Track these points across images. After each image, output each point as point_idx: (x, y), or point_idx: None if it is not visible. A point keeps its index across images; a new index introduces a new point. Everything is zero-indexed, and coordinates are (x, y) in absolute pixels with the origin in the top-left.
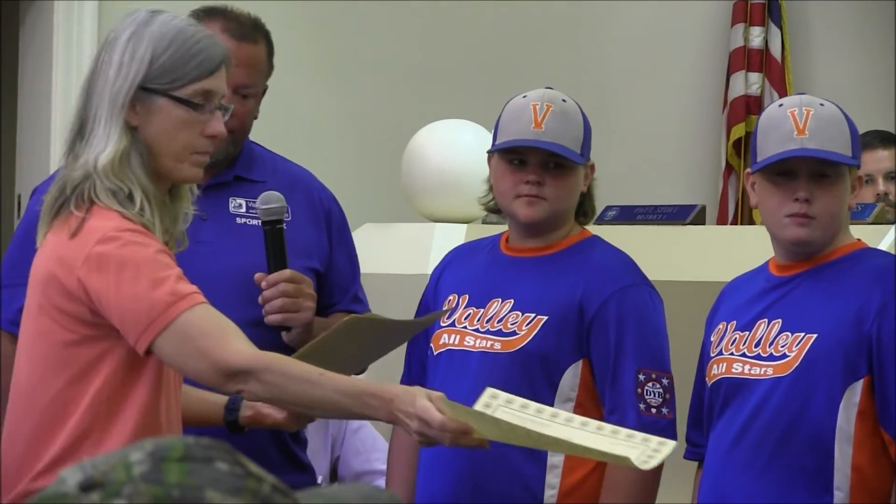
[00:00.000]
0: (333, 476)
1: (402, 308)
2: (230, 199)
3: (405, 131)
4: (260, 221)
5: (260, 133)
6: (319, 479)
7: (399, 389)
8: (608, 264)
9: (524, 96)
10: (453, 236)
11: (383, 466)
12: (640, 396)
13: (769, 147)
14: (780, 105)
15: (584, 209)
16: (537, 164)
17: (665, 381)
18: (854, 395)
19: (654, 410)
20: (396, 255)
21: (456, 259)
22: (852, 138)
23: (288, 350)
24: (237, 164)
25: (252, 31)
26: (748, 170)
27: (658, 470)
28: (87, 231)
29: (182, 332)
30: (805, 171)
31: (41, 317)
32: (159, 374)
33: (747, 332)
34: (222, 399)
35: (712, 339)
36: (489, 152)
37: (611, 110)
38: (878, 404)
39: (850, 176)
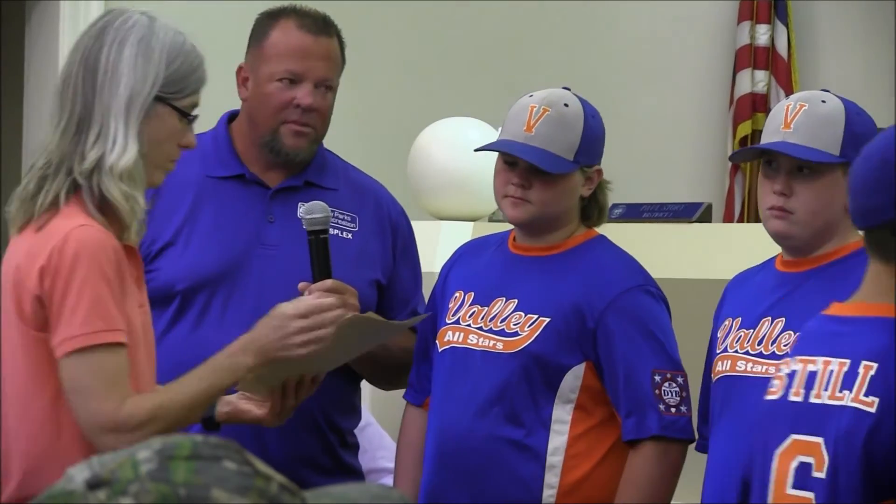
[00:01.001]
0: None
1: None
2: (299, 205)
3: (411, 129)
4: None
5: None
6: None
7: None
8: (610, 267)
9: (530, 95)
10: (460, 234)
11: (389, 464)
12: (658, 397)
13: (763, 139)
14: (787, 99)
15: (588, 212)
16: (524, 167)
17: (680, 380)
18: None
19: (673, 410)
20: None
21: (465, 255)
22: (845, 138)
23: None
24: (309, 169)
25: (325, 26)
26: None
27: (677, 468)
28: (53, 229)
29: (90, 364)
30: (785, 166)
31: (20, 324)
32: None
33: (751, 331)
34: None
35: (719, 335)
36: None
37: (617, 108)
38: None
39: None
